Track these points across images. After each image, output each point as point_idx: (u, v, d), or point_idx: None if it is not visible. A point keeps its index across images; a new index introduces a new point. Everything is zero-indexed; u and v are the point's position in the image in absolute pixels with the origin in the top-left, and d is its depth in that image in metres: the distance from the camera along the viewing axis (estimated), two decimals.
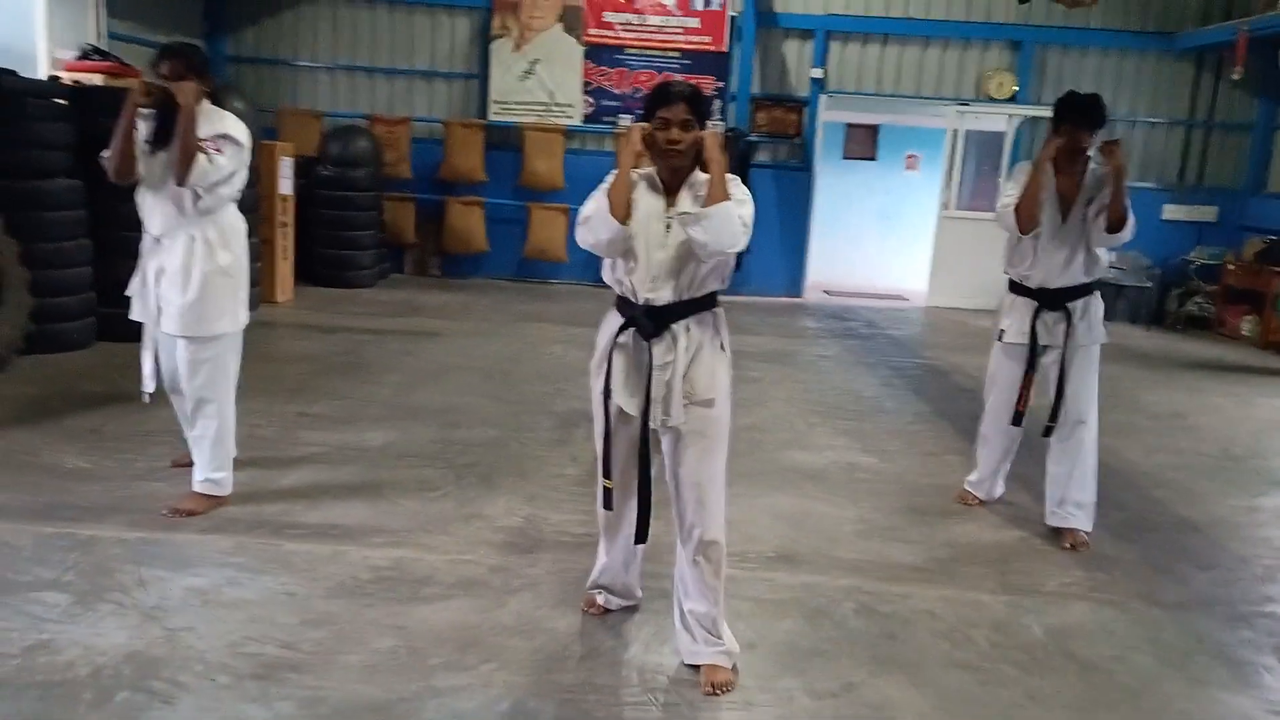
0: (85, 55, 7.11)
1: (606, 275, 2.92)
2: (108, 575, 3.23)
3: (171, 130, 3.64)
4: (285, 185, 8.44)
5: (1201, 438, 5.95)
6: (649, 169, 2.87)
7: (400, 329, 7.65)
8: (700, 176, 2.79)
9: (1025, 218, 3.88)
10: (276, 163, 8.21)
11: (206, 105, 3.74)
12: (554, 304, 9.36)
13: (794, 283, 10.87)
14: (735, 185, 2.73)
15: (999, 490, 4.46)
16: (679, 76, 10.08)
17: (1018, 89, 10.44)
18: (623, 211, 2.71)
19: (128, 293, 3.88)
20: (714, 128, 2.83)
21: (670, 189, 2.82)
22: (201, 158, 3.60)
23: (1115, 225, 3.80)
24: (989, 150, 11.31)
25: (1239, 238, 10.39)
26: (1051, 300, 3.98)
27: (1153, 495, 4.79)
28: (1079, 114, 3.84)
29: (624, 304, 2.87)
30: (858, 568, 3.69)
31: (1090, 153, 3.95)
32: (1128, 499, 4.68)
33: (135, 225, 3.86)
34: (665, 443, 2.89)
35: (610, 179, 2.76)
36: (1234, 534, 4.33)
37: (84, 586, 3.15)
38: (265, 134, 9.07)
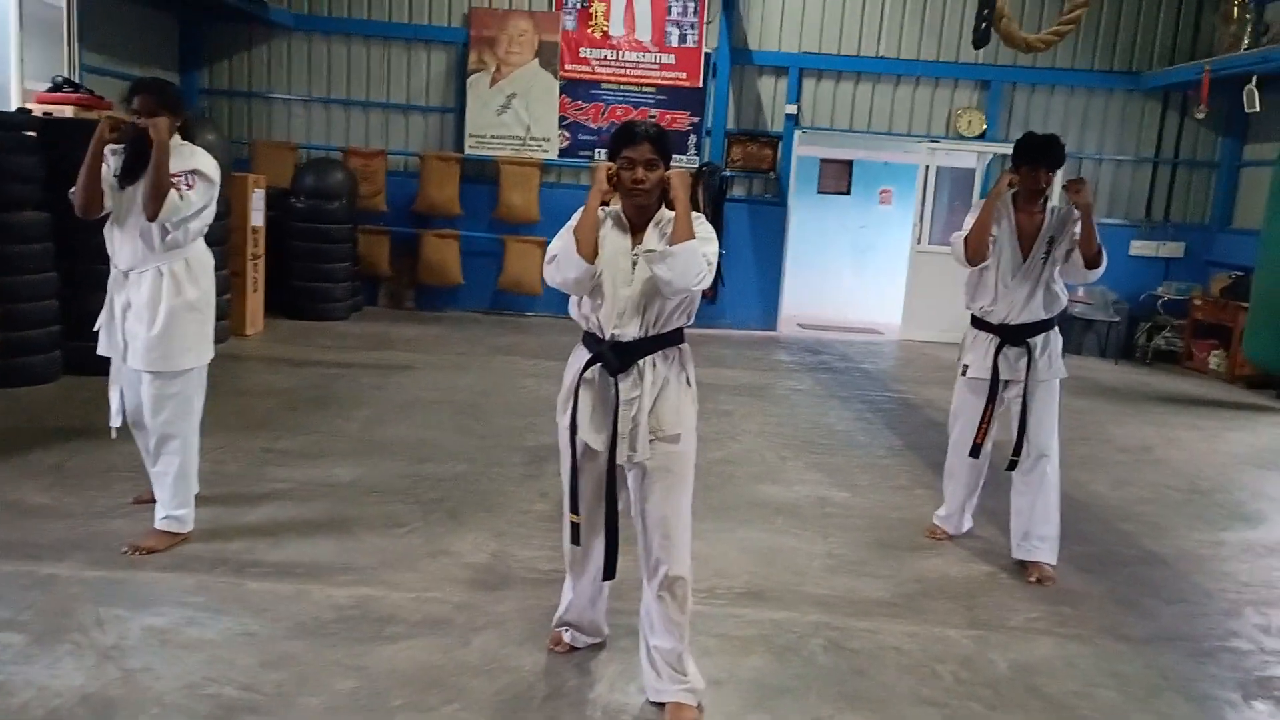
0: (57, 87, 7.08)
1: (574, 311, 2.93)
2: (66, 615, 3.17)
3: (141, 165, 3.64)
4: (257, 217, 8.42)
5: (1169, 471, 6.00)
6: (615, 207, 2.89)
7: (372, 362, 7.62)
8: (666, 214, 2.82)
9: (973, 248, 3.95)
10: (249, 194, 8.20)
11: (177, 140, 3.74)
12: (528, 337, 9.36)
13: (768, 316, 10.93)
14: (700, 224, 2.76)
15: (967, 524, 4.48)
16: (654, 112, 10.23)
17: (987, 127, 10.62)
18: (589, 250, 2.73)
19: (95, 328, 3.85)
20: (681, 165, 2.87)
21: (636, 227, 2.84)
22: (173, 194, 3.60)
23: (1092, 261, 3.87)
24: (960, 186, 11.48)
25: (1206, 273, 10.57)
26: (1013, 336, 4.03)
27: (1119, 529, 4.82)
28: (1037, 154, 3.91)
29: (590, 339, 2.88)
30: (826, 603, 3.68)
31: (1052, 191, 4.02)
32: (1094, 532, 4.71)
33: (103, 258, 3.84)
34: (631, 478, 2.89)
35: (577, 217, 2.79)
36: (1200, 568, 4.36)
37: (41, 626, 3.09)
38: (239, 166, 9.08)
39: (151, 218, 3.60)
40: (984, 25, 4.24)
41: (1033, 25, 10.09)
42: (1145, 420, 7.50)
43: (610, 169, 2.79)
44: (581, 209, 2.79)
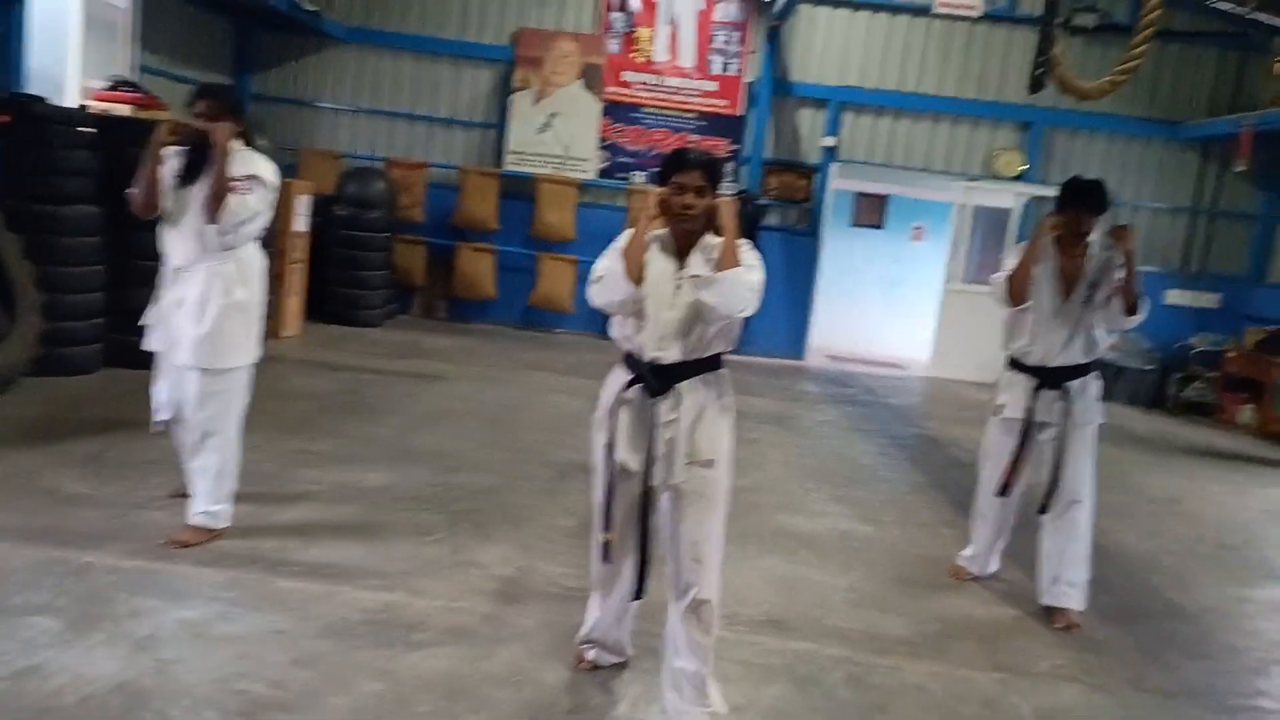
0: (115, 86, 7.25)
1: (615, 332, 2.97)
2: (101, 603, 3.24)
3: (200, 167, 3.74)
4: (301, 223, 8.56)
5: (1197, 524, 5.95)
6: (661, 230, 2.94)
7: (405, 370, 7.70)
8: (712, 240, 2.87)
9: (1015, 289, 3.96)
10: (294, 201, 8.33)
11: (238, 145, 3.84)
12: (557, 353, 9.42)
13: (797, 346, 10.94)
14: (747, 252, 2.81)
15: (993, 566, 4.46)
16: (694, 137, 10.32)
17: (1025, 168, 10.61)
18: (637, 273, 2.77)
19: (144, 321, 3.94)
20: (727, 191, 2.92)
21: (681, 251, 2.89)
22: (232, 197, 3.70)
23: (1131, 308, 3.87)
24: (995, 226, 11.45)
25: (1240, 326, 10.47)
26: (1050, 378, 4.03)
27: (1147, 580, 4.79)
28: (1082, 198, 3.93)
29: (632, 360, 2.92)
30: (848, 637, 3.69)
31: (1094, 236, 4.03)
32: (1121, 583, 4.68)
33: (150, 254, 3.93)
34: (665, 500, 2.92)
35: (624, 239, 2.83)
36: (1226, 624, 4.32)
37: (76, 613, 3.15)
38: (285, 172, 9.18)
39: (211, 221, 3.70)
40: (1040, 71, 4.26)
41: (1078, 70, 10.12)
42: (1174, 471, 7.44)
43: (661, 195, 2.83)
44: (629, 232, 2.83)
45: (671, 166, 2.85)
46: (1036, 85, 4.43)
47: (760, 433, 6.95)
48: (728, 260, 2.75)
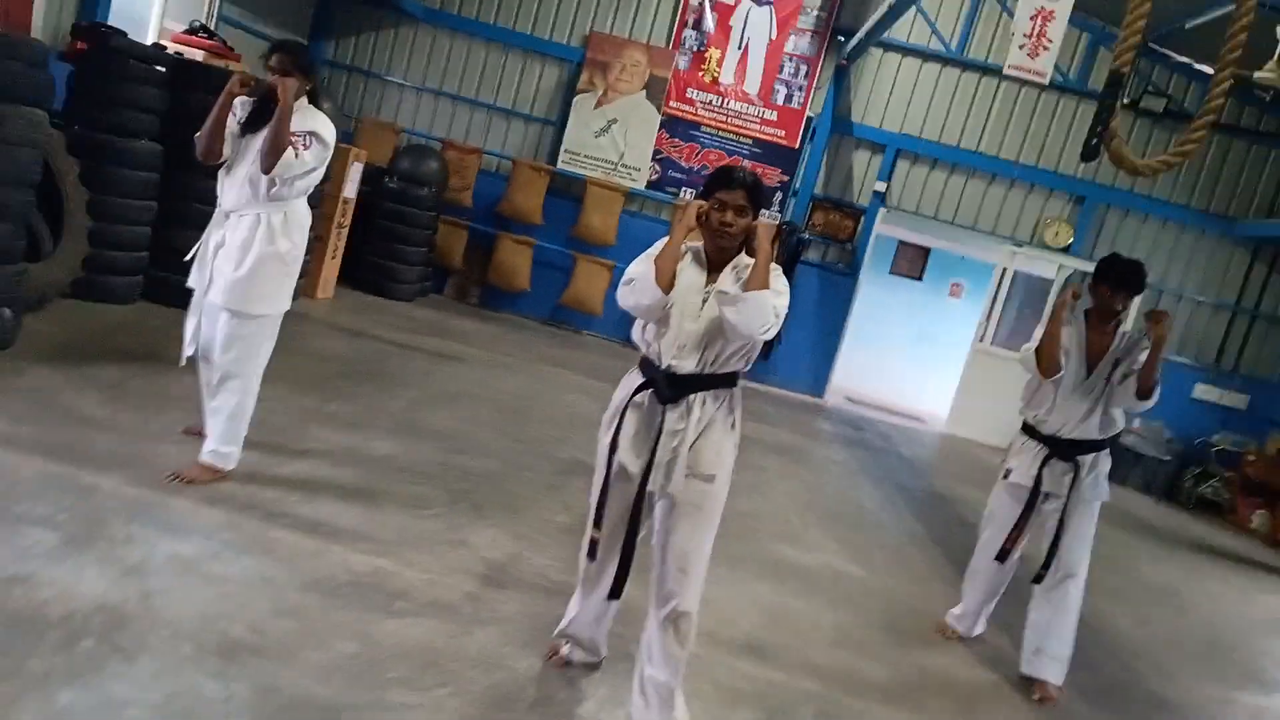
0: (193, 31, 7.41)
1: (636, 335, 3.00)
2: (99, 525, 3.30)
3: (265, 118, 3.84)
4: (350, 189, 8.68)
5: (1192, 619, 5.89)
6: (697, 243, 2.97)
7: (427, 348, 7.77)
8: (744, 259, 2.89)
9: (1046, 361, 3.95)
10: (348, 167, 8.46)
11: (303, 102, 3.94)
12: (580, 353, 9.47)
13: (818, 383, 10.93)
14: (776, 276, 2.83)
15: (980, 629, 4.44)
16: (747, 162, 10.36)
17: (1073, 240, 10.57)
18: (667, 281, 2.81)
19: (187, 258, 4.03)
20: (767, 217, 2.95)
21: (714, 266, 2.92)
22: (289, 151, 3.78)
23: (1146, 393, 3.86)
24: (1033, 294, 11.41)
25: (1265, 429, 10.35)
26: (1063, 450, 4.02)
27: (1131, 665, 4.75)
28: (1121, 278, 3.92)
29: (647, 365, 2.95)
30: (824, 674, 3.68)
31: (1129, 315, 4.02)
32: (1105, 664, 4.64)
33: (200, 198, 4.03)
34: (659, 508, 2.94)
35: (659, 246, 2.87)
36: None
37: (74, 531, 3.22)
38: (344, 138, 9.35)
39: (267, 170, 3.78)
40: (1095, 140, 4.27)
41: (1138, 154, 10.08)
42: (1178, 564, 7.36)
43: (702, 207, 2.87)
44: (665, 239, 2.87)
45: (717, 182, 2.88)
46: (1091, 154, 4.43)
47: (769, 461, 6.96)
48: (757, 281, 2.77)
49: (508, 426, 6.05)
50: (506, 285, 10.68)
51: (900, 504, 6.88)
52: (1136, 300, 4.03)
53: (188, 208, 6.10)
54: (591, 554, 3.01)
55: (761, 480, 6.33)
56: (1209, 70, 9.01)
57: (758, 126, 10.59)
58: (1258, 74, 7.32)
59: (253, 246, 3.87)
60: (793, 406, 9.91)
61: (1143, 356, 3.88)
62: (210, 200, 4.00)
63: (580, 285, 10.55)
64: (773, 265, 2.84)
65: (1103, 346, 3.99)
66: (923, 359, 12.93)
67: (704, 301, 2.86)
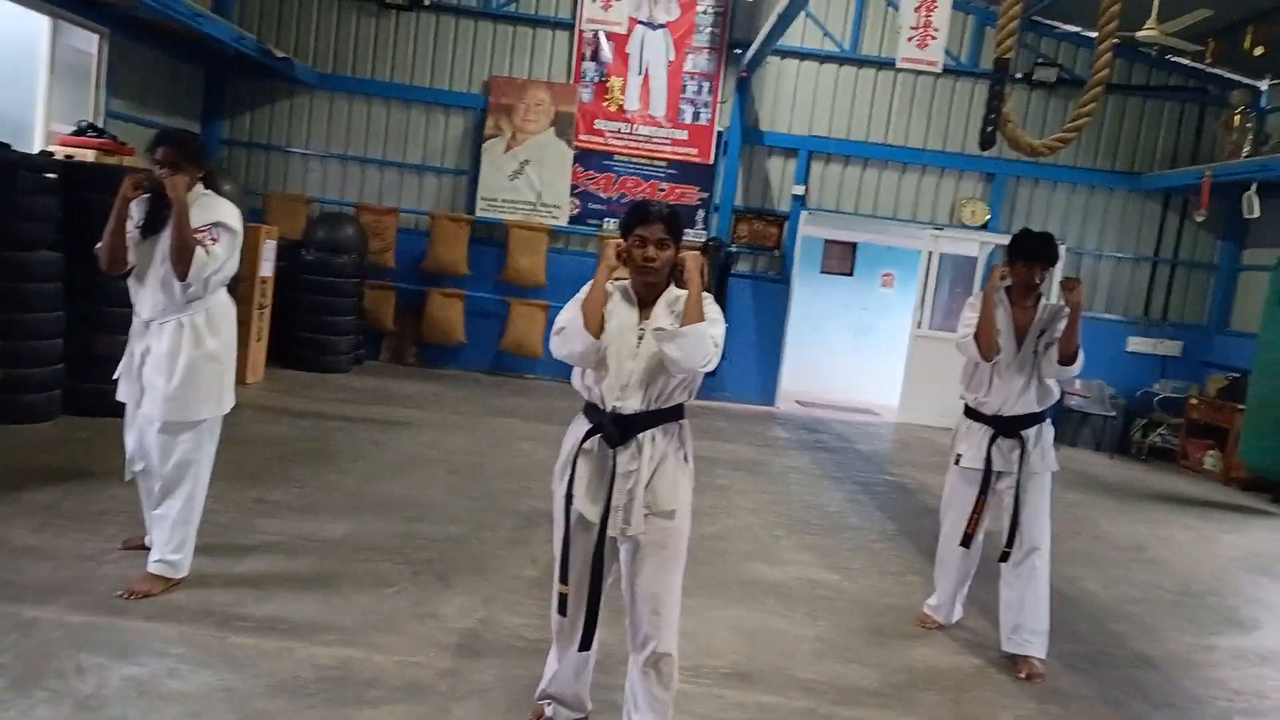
0: (81, 131, 7.22)
1: (576, 382, 2.97)
2: (46, 660, 3.14)
3: (161, 218, 3.72)
4: (266, 267, 8.51)
5: (1162, 572, 5.98)
6: (625, 281, 2.94)
7: (371, 417, 7.63)
8: (676, 291, 2.88)
9: (985, 345, 4.00)
10: (260, 245, 8.29)
11: (200, 191, 3.82)
12: (527, 399, 9.38)
13: (767, 392, 10.97)
14: (710, 306, 2.82)
15: (957, 614, 4.45)
16: (665, 185, 10.44)
17: (990, 217, 10.80)
18: (597, 326, 2.78)
19: (115, 375, 3.89)
20: (696, 239, 2.94)
21: (644, 302, 2.90)
22: (200, 251, 3.66)
23: (1067, 359, 3.92)
24: (962, 274, 11.62)
25: (1203, 373, 10.64)
26: (1006, 427, 4.07)
27: (1110, 628, 4.79)
28: (1033, 252, 4.01)
29: (592, 410, 2.91)
30: (813, 689, 3.64)
31: (1046, 286, 4.10)
32: (1085, 631, 4.67)
33: (111, 300, 3.90)
34: (623, 552, 2.89)
35: (585, 291, 2.84)
36: (1190, 673, 4.32)
37: (19, 670, 3.05)
38: (253, 216, 9.23)
39: (182, 278, 3.67)
40: (990, 129, 4.36)
41: (1038, 125, 10.37)
42: (1139, 518, 7.48)
43: (620, 246, 2.85)
44: (590, 283, 2.84)
45: (634, 219, 2.86)
46: (987, 142, 4.53)
47: (730, 479, 6.93)
48: (693, 314, 2.76)
49: (464, 486, 5.94)
50: (443, 340, 10.56)
51: (865, 502, 6.90)
52: (1058, 269, 4.08)
53: (99, 311, 5.92)
54: (562, 609, 2.94)
55: (724, 500, 6.30)
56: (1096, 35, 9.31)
57: (670, 148, 10.65)
58: (1139, 33, 7.58)
59: (180, 353, 3.75)
60: (746, 419, 9.93)
61: (1062, 325, 3.95)
62: (121, 300, 3.88)
63: (518, 329, 10.47)
64: (705, 294, 2.83)
65: (1027, 321, 4.07)
66: (866, 352, 13.06)
67: (640, 339, 2.83)
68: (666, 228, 2.83)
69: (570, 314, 2.82)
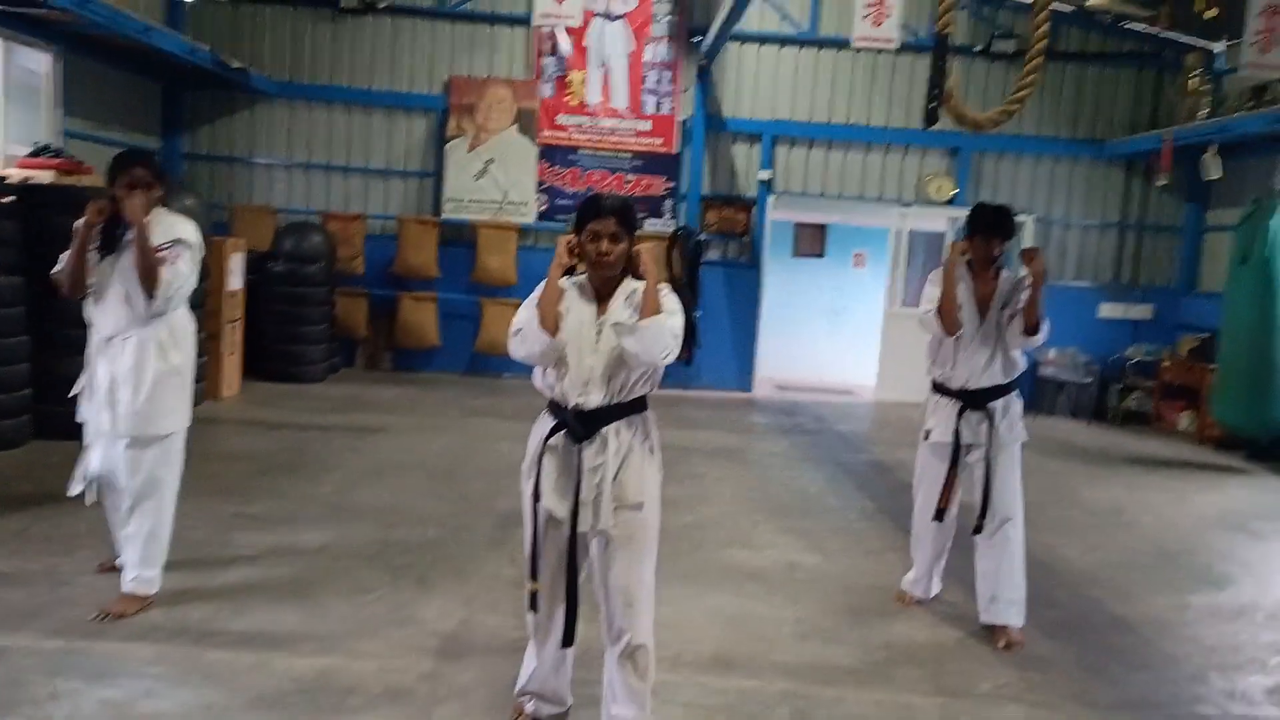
0: (37, 152, 7.14)
1: (538, 381, 2.98)
2: (19, 687, 3.12)
3: (116, 236, 3.71)
4: (235, 281, 8.45)
5: (1138, 535, 6.04)
6: (581, 276, 2.95)
7: (346, 425, 7.60)
8: (632, 283, 2.89)
9: (948, 321, 4.03)
10: (226, 259, 8.24)
11: (157, 210, 3.80)
12: (503, 399, 9.36)
13: (744, 378, 10.99)
14: (667, 297, 2.83)
15: (935, 588, 4.49)
16: (631, 177, 10.43)
17: (956, 192, 10.84)
18: (553, 324, 2.78)
19: (73, 393, 3.87)
20: (657, 229, 2.94)
21: (601, 296, 2.90)
22: (165, 270, 3.67)
23: (1031, 329, 3.96)
24: (932, 250, 11.68)
25: (1174, 335, 10.74)
26: (974, 400, 4.10)
27: (1088, 594, 4.84)
28: (990, 225, 4.04)
29: (555, 408, 2.93)
30: (794, 671, 3.67)
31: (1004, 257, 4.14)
32: (1063, 598, 4.73)
33: (76, 323, 3.89)
34: (594, 547, 2.90)
35: (539, 290, 2.84)
36: (1166, 632, 4.38)
37: None
38: (218, 229, 9.15)
39: (150, 296, 3.68)
40: (933, 105, 4.39)
41: (998, 98, 10.41)
42: (1116, 482, 7.56)
43: (571, 242, 2.85)
44: (543, 282, 2.84)
45: (587, 214, 2.87)
46: (931, 119, 4.57)
47: (708, 468, 6.94)
48: (650, 307, 2.77)
49: (442, 489, 5.93)
50: (417, 344, 10.52)
51: (844, 482, 6.94)
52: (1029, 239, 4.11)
53: (64, 334, 5.85)
54: (533, 606, 2.96)
55: (702, 489, 6.31)
56: (1059, 7, 9.35)
57: (634, 139, 10.64)
58: (1089, 2, 7.63)
59: (146, 368, 3.75)
60: (723, 406, 9.94)
61: (1023, 296, 3.98)
62: (84, 324, 3.84)
63: (491, 329, 10.43)
64: (660, 285, 2.84)
65: (989, 294, 4.10)
66: (841, 333, 13.09)
67: (599, 334, 2.84)
68: (619, 220, 2.83)
69: (526, 314, 2.83)
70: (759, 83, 10.80)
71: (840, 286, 13.31)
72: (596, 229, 2.83)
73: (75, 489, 3.88)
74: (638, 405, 2.92)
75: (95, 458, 3.85)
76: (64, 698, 3.08)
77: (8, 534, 4.54)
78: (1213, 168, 9.33)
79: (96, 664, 3.32)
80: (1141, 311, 11.06)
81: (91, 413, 3.83)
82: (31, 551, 4.34)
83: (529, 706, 3.14)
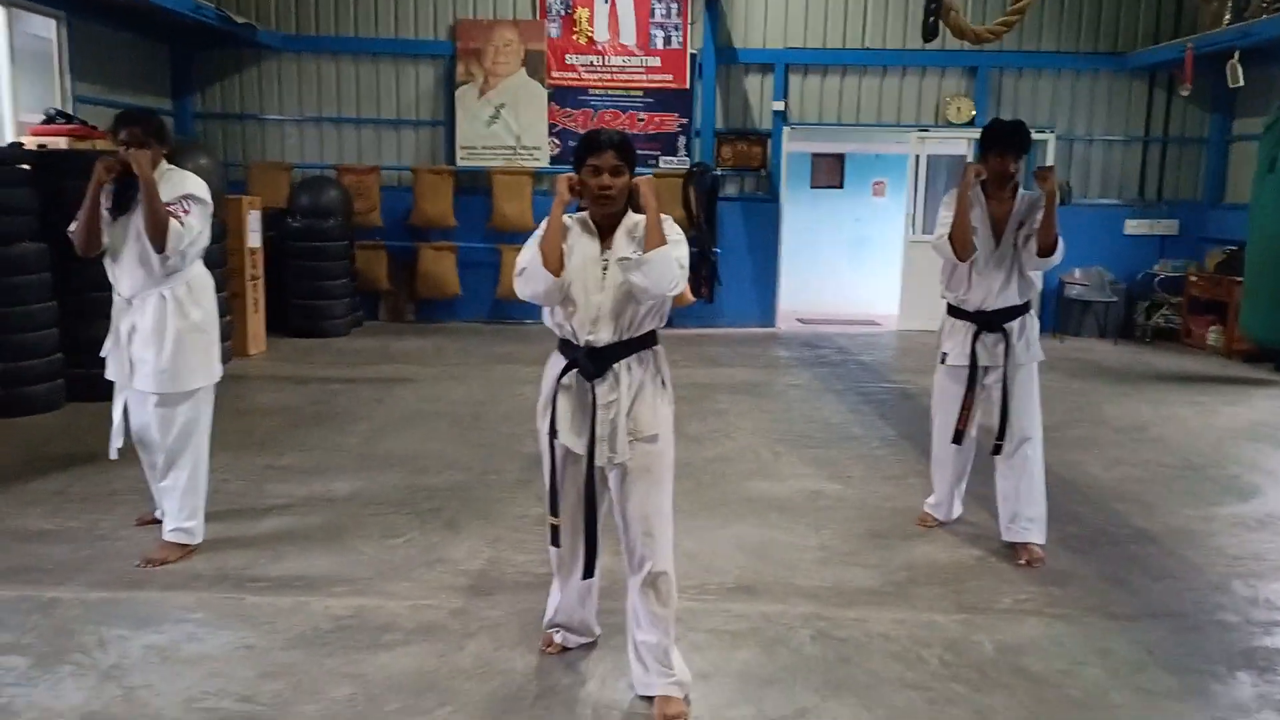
0: (50, 119, 7.19)
1: (547, 319, 3.01)
2: (68, 636, 3.25)
3: (130, 196, 3.76)
4: (254, 238, 8.52)
5: (1163, 449, 6.03)
6: (583, 213, 2.95)
7: (372, 376, 7.70)
8: (634, 217, 2.89)
9: (960, 244, 3.99)
10: (244, 216, 8.29)
11: (165, 167, 3.86)
12: (526, 345, 9.41)
13: (766, 313, 10.96)
14: (669, 227, 2.83)
15: (957, 511, 4.53)
16: (643, 115, 10.33)
17: (975, 113, 10.64)
18: (556, 263, 2.79)
19: (102, 353, 3.96)
20: (677, 167, 2.92)
21: (604, 232, 2.91)
22: (174, 223, 3.71)
23: (1046, 249, 3.91)
24: (953, 174, 11.48)
25: (1201, 249, 10.56)
26: (989, 322, 4.08)
27: (1111, 508, 4.86)
28: (1004, 141, 3.97)
29: (566, 346, 2.95)
30: (816, 595, 3.74)
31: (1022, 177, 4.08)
32: (1086, 513, 4.75)
33: (101, 285, 3.97)
34: (612, 479, 2.95)
35: (542, 229, 2.85)
36: (1189, 543, 4.40)
37: (44, 648, 3.17)
38: (234, 188, 9.19)
39: (160, 250, 3.72)
40: (932, 19, 4.29)
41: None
42: (1142, 399, 7.52)
43: (572, 179, 2.85)
44: (545, 220, 2.85)
45: (586, 149, 2.86)
46: (931, 33, 4.46)
47: (730, 403, 6.97)
48: (653, 239, 2.77)
49: (468, 435, 6.02)
50: (439, 294, 10.58)
51: (866, 411, 6.96)
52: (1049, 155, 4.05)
53: (90, 297, 5.96)
54: (555, 540, 3.02)
55: (724, 423, 6.36)
56: None
57: (644, 76, 10.50)
58: None
59: (167, 326, 3.82)
60: (747, 342, 9.95)
61: (1039, 215, 3.93)
62: (108, 285, 3.92)
63: (510, 277, 10.36)
64: (663, 216, 2.84)
65: (1004, 214, 4.05)
66: (863, 263, 13.00)
67: (604, 270, 2.85)
68: (618, 154, 2.82)
69: (529, 253, 2.84)
70: (769, 10, 10.58)
71: (860, 217, 13.18)
72: (596, 163, 2.82)
73: (114, 452, 3.98)
74: (647, 340, 2.94)
75: (120, 416, 3.94)
76: (111, 645, 3.20)
77: (48, 493, 4.68)
78: (1237, 75, 9.07)
79: (140, 612, 3.45)
80: (1168, 226, 10.88)
81: (116, 372, 3.92)
82: (72, 510, 4.48)
83: (558, 637, 3.23)
